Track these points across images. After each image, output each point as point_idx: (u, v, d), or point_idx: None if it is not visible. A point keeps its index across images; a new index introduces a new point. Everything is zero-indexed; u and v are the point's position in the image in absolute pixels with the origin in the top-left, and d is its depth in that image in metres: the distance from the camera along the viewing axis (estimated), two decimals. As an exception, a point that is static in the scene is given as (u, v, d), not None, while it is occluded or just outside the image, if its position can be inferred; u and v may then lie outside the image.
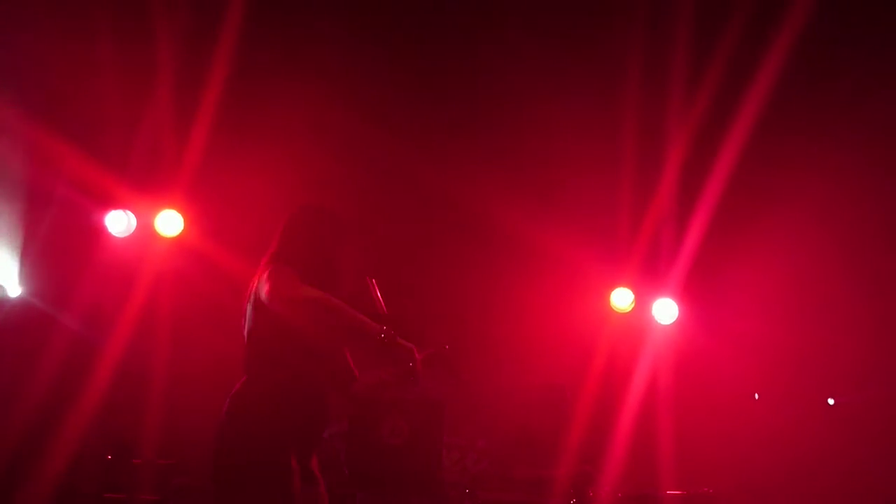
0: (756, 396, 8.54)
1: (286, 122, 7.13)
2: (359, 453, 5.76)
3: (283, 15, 6.88)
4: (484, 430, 7.76)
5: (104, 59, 6.73)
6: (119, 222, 7.34)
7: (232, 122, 6.97)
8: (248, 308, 3.87)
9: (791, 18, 6.34)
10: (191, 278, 7.25)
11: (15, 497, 6.50)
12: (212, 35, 6.57)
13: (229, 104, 6.84)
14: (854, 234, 7.71)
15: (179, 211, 7.35)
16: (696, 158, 7.29)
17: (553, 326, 7.82)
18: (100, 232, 7.33)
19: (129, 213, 7.37)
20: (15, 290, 7.35)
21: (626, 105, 7.06)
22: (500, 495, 5.89)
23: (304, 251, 3.92)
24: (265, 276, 3.77)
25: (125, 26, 6.67)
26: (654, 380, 7.81)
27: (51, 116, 6.85)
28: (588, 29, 6.92)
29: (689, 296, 8.11)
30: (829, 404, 8.56)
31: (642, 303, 8.15)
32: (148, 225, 7.37)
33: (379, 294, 3.93)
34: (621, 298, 8.11)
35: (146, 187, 7.31)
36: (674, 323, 8.15)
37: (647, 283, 8.06)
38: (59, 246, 7.33)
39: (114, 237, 7.35)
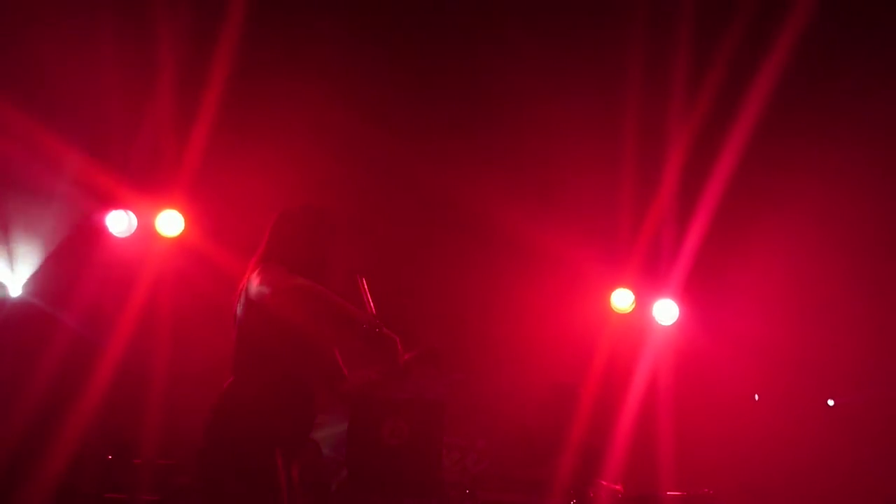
0: (756, 397, 8.54)
1: (287, 122, 7.13)
2: (359, 454, 5.76)
3: (284, 15, 6.88)
4: (484, 431, 7.77)
5: (105, 58, 6.73)
6: (120, 222, 7.34)
7: (233, 122, 6.97)
8: (238, 307, 3.89)
9: (792, 20, 6.34)
10: (191, 278, 7.25)
11: (15, 497, 6.50)
12: (213, 35, 6.57)
13: (230, 104, 6.84)
14: (854, 235, 7.71)
15: (180, 211, 7.35)
16: (697, 159, 7.28)
17: (553, 327, 7.83)
18: (100, 232, 7.34)
19: (129, 213, 7.38)
20: (15, 289, 7.35)
21: (627, 105, 7.05)
22: (501, 496, 5.89)
23: (295, 250, 3.94)
24: (255, 273, 3.80)
25: (126, 26, 6.67)
26: (654, 380, 7.80)
27: (52, 116, 6.85)
28: (589, 29, 6.91)
29: (690, 296, 8.11)
30: (829, 405, 8.56)
31: (643, 303, 8.15)
32: (149, 225, 7.37)
33: (368, 293, 3.95)
34: (622, 299, 8.11)
35: (147, 187, 7.31)
36: (674, 324, 8.15)
37: (648, 284, 8.06)
38: (59, 246, 7.33)
39: (114, 237, 7.36)
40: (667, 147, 7.30)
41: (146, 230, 7.38)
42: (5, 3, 6.61)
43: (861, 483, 7.80)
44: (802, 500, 7.77)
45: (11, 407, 6.83)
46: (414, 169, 7.41)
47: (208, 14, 6.55)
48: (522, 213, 7.43)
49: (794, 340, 7.94)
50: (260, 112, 7.16)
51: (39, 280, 7.37)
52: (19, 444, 6.69)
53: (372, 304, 3.93)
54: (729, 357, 8.13)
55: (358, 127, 7.32)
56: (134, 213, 7.38)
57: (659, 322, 8.15)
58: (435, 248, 8.01)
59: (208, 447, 3.70)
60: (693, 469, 7.40)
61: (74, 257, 7.32)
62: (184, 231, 7.38)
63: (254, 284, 3.76)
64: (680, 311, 8.13)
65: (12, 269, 7.31)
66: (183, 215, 7.36)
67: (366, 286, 3.96)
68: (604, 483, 5.93)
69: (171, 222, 7.35)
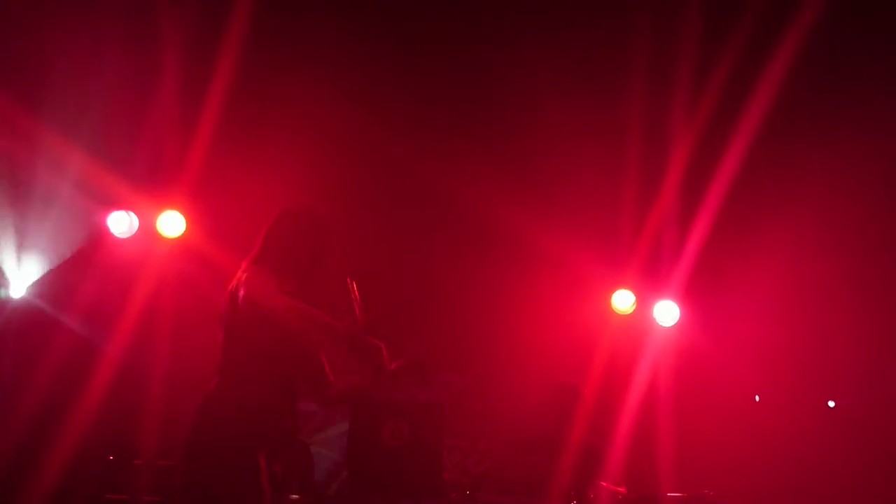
0: (757, 398, 8.55)
1: (289, 122, 7.13)
2: (359, 455, 5.75)
3: (287, 15, 6.88)
4: (485, 432, 7.78)
5: (108, 59, 6.74)
6: (121, 223, 7.34)
7: (235, 122, 6.97)
8: (228, 307, 3.91)
9: (797, 22, 6.34)
10: (193, 279, 7.25)
11: (17, 497, 6.51)
12: (215, 37, 6.58)
13: (232, 105, 6.84)
14: (855, 237, 7.71)
15: (182, 212, 7.35)
16: (700, 161, 7.29)
17: (554, 327, 7.83)
18: (102, 233, 7.34)
19: (131, 213, 7.37)
20: (17, 291, 7.36)
21: (630, 107, 7.07)
22: (501, 497, 5.89)
23: (289, 254, 3.97)
24: (243, 279, 3.82)
25: (129, 26, 6.68)
26: (655, 381, 7.81)
27: (54, 116, 6.85)
28: (592, 30, 6.92)
29: (691, 298, 8.11)
30: (829, 406, 8.56)
31: (643, 304, 8.16)
32: (150, 226, 7.37)
33: (358, 296, 3.98)
34: (623, 300, 8.12)
35: (148, 188, 7.31)
36: (675, 325, 8.16)
37: (649, 285, 8.07)
38: (61, 247, 7.34)
39: (116, 238, 7.36)
40: (669, 148, 7.31)
41: (147, 231, 7.38)
42: (9, 3, 6.62)
43: (862, 484, 7.81)
44: (803, 502, 7.78)
45: (13, 407, 6.83)
46: (416, 169, 7.41)
47: (210, 15, 6.56)
48: (524, 214, 7.43)
49: (795, 342, 7.94)
50: (262, 113, 7.16)
51: (41, 281, 7.37)
52: (20, 445, 6.70)
53: (360, 307, 3.97)
54: (730, 358, 8.14)
55: (361, 128, 7.33)
56: (135, 213, 7.38)
57: (660, 323, 8.15)
58: (437, 248, 8.02)
59: (193, 448, 3.75)
60: (694, 470, 7.42)
61: (76, 258, 7.32)
62: (185, 232, 7.37)
63: (241, 292, 3.79)
64: (681, 313, 8.13)
65: (13, 270, 7.31)
66: (184, 216, 7.36)
67: (356, 290, 4.00)
68: (604, 484, 5.93)
69: (172, 223, 7.35)
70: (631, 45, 6.80)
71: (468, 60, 7.26)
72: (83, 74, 6.78)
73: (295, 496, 6.17)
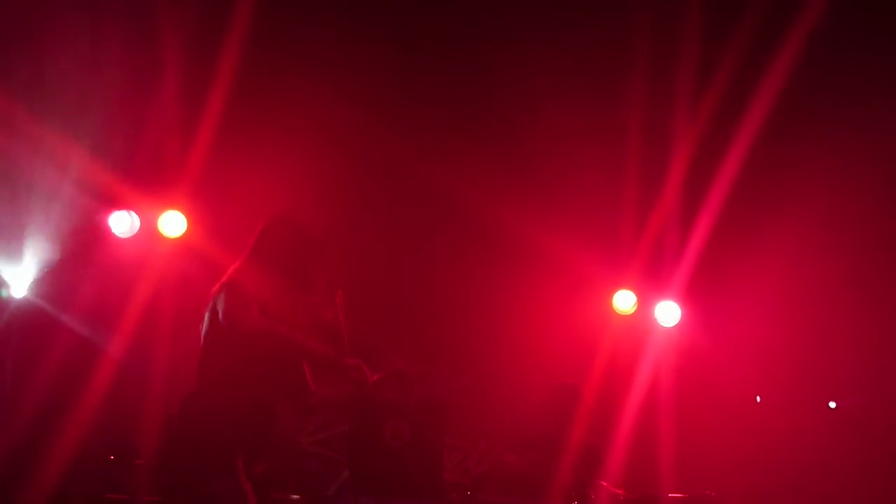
0: (758, 399, 8.54)
1: (291, 122, 7.13)
2: (361, 455, 5.76)
3: (288, 16, 6.89)
4: (486, 432, 7.78)
5: (110, 59, 6.74)
6: (122, 223, 7.34)
7: (236, 122, 6.97)
8: (207, 314, 3.92)
9: (798, 23, 6.35)
10: (194, 279, 7.25)
11: (18, 496, 6.51)
12: (216, 37, 6.58)
13: (234, 105, 6.84)
14: (856, 238, 7.71)
15: (183, 212, 7.35)
16: (701, 162, 7.29)
17: (556, 328, 7.83)
18: (103, 232, 7.34)
19: (132, 213, 7.37)
20: (19, 290, 7.36)
21: (632, 108, 7.07)
22: (502, 497, 5.89)
23: (281, 260, 3.97)
24: (222, 294, 3.83)
25: (131, 26, 6.68)
26: (656, 382, 7.81)
27: (56, 117, 6.85)
28: (593, 31, 6.92)
29: (692, 298, 8.11)
30: (830, 407, 8.56)
31: (645, 305, 8.16)
32: (151, 226, 7.37)
33: (342, 308, 4.00)
34: (624, 300, 8.12)
35: (150, 188, 7.31)
36: (676, 325, 8.16)
37: (650, 286, 8.07)
38: (63, 246, 7.34)
39: (117, 238, 7.36)
40: (670, 149, 7.31)
41: (149, 231, 7.38)
42: (11, 4, 6.62)
43: (862, 484, 7.80)
44: (804, 502, 7.78)
45: (14, 407, 6.83)
46: (416, 169, 7.41)
47: (211, 15, 6.56)
48: (525, 215, 7.43)
49: (796, 343, 7.95)
50: (263, 113, 7.16)
51: (42, 281, 7.37)
52: (21, 444, 6.70)
53: (345, 318, 4.00)
54: (731, 359, 8.14)
55: (362, 128, 7.33)
56: (137, 213, 7.38)
57: (661, 324, 8.15)
58: (438, 249, 8.01)
59: (172, 450, 3.77)
60: (695, 470, 7.42)
61: (77, 258, 7.32)
62: (186, 232, 7.37)
63: (220, 307, 3.81)
64: (682, 313, 8.13)
65: (15, 270, 7.31)
66: (185, 216, 7.35)
67: (342, 300, 4.02)
68: (605, 485, 5.93)
69: (173, 223, 7.34)
70: (632, 46, 6.80)
71: (469, 61, 7.26)
72: (84, 74, 6.78)
73: (296, 496, 6.18)
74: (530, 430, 6.10)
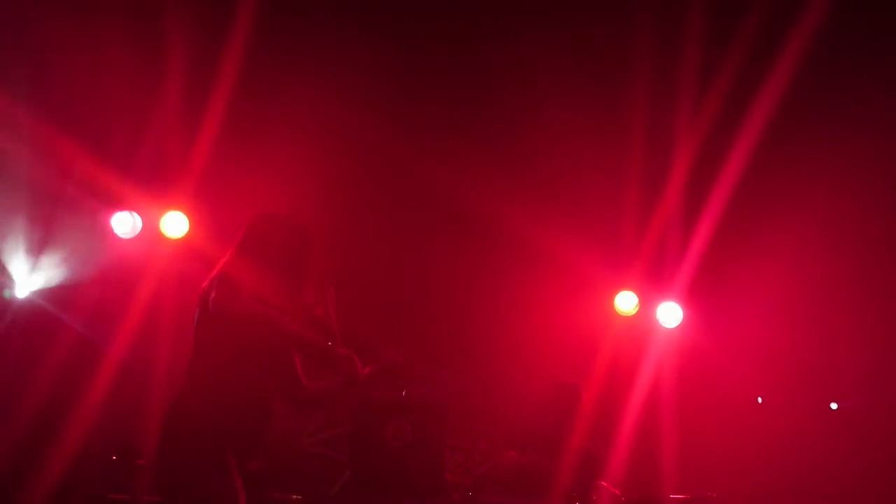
0: (759, 400, 8.53)
1: (292, 123, 7.14)
2: (362, 455, 5.77)
3: (290, 18, 6.90)
4: (487, 433, 7.77)
5: (112, 59, 6.75)
6: (125, 223, 7.35)
7: (238, 123, 6.98)
8: (199, 306, 3.92)
9: (801, 25, 6.35)
10: (196, 280, 7.24)
11: (20, 496, 6.52)
12: (219, 38, 6.59)
13: (236, 105, 6.85)
14: (858, 239, 7.71)
15: (185, 212, 7.36)
16: (703, 162, 7.29)
17: (557, 329, 7.83)
18: (105, 233, 7.35)
19: (134, 214, 7.38)
20: (22, 290, 7.37)
21: (634, 108, 7.07)
22: (504, 498, 5.89)
23: (269, 254, 3.97)
24: (216, 281, 3.83)
25: (133, 27, 6.69)
26: (657, 383, 7.81)
27: (58, 117, 6.87)
28: (596, 31, 6.93)
29: (694, 299, 8.11)
30: (832, 408, 8.55)
31: (647, 306, 8.15)
32: (153, 226, 7.38)
33: (333, 305, 4.01)
34: (626, 301, 8.11)
35: (152, 188, 7.32)
36: (678, 326, 8.15)
37: (652, 287, 8.06)
38: (65, 247, 7.35)
39: (119, 238, 7.37)
40: (673, 150, 7.31)
41: (151, 231, 7.39)
42: (14, 4, 6.63)
43: (864, 486, 7.79)
44: (805, 503, 7.77)
45: (16, 407, 6.84)
46: (419, 170, 7.42)
47: (214, 16, 6.57)
48: (527, 215, 7.43)
49: (798, 344, 7.94)
50: (266, 113, 7.18)
51: (45, 281, 7.39)
52: (24, 444, 6.71)
53: (335, 316, 4.00)
54: (732, 360, 8.13)
55: (365, 129, 7.33)
56: (139, 214, 7.39)
57: (663, 325, 8.15)
58: (440, 249, 8.02)
59: (163, 448, 3.76)
60: (696, 472, 7.41)
61: (79, 258, 7.33)
62: (189, 232, 7.38)
63: (212, 294, 3.80)
64: (684, 314, 8.13)
65: (18, 271, 7.32)
66: (188, 217, 7.36)
67: (333, 298, 4.03)
68: (605, 485, 5.93)
69: (175, 224, 7.35)
70: (634, 47, 6.80)
71: (471, 61, 7.27)
72: (87, 75, 6.79)
73: (297, 496, 6.18)
74: (529, 430, 6.11)
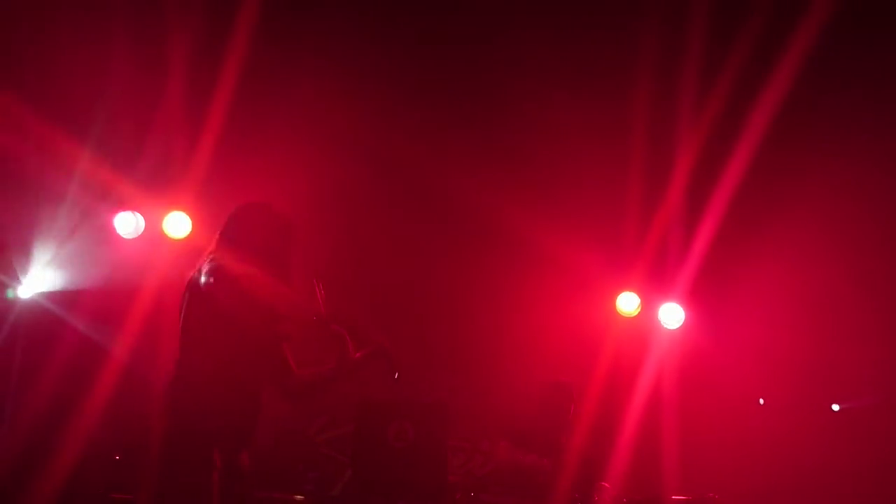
0: (761, 401, 8.54)
1: (295, 124, 7.15)
2: (364, 456, 5.77)
3: (293, 18, 6.90)
4: (489, 433, 7.77)
5: (115, 59, 6.76)
6: (127, 224, 7.35)
7: (241, 123, 6.99)
8: (186, 295, 3.92)
9: (804, 27, 6.34)
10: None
11: (24, 495, 6.53)
12: (223, 38, 6.59)
13: (239, 106, 6.86)
14: (860, 240, 7.71)
15: (188, 213, 7.37)
16: (706, 163, 7.29)
17: (559, 329, 7.84)
18: (108, 233, 7.36)
19: (137, 214, 7.39)
20: (25, 291, 7.38)
21: (636, 109, 7.06)
22: (505, 499, 5.90)
23: (254, 243, 3.98)
24: (202, 268, 3.84)
25: (137, 28, 6.70)
26: (659, 384, 7.81)
27: (62, 117, 6.88)
28: (599, 31, 6.93)
29: (696, 300, 8.11)
30: (833, 410, 8.55)
31: (649, 307, 8.16)
32: (156, 226, 7.39)
33: (322, 297, 4.02)
34: (627, 302, 8.12)
35: (155, 189, 7.33)
36: (680, 327, 8.16)
37: (654, 288, 8.07)
38: (68, 247, 7.36)
39: (122, 238, 7.38)
40: (675, 151, 7.31)
41: (154, 232, 7.40)
42: (17, 3, 6.64)
43: (866, 488, 7.80)
44: (807, 505, 7.78)
45: (20, 407, 6.86)
46: (421, 170, 7.42)
47: (218, 16, 6.57)
48: (529, 216, 7.44)
49: (800, 345, 7.94)
50: (268, 114, 7.18)
51: (48, 282, 7.40)
52: (27, 445, 6.72)
53: (324, 307, 4.01)
54: (734, 361, 8.14)
55: (367, 129, 7.34)
56: (142, 214, 7.40)
57: (665, 326, 8.16)
58: (441, 250, 8.02)
59: (148, 443, 3.75)
60: (698, 473, 7.42)
61: (82, 259, 7.34)
62: (191, 233, 7.38)
63: (204, 271, 3.81)
64: (686, 315, 8.13)
65: (21, 271, 7.33)
66: (190, 217, 7.37)
67: (321, 290, 4.04)
68: (607, 486, 5.94)
69: (178, 224, 7.36)
70: (637, 48, 6.80)
71: (473, 60, 7.27)
72: (90, 75, 6.80)
73: (299, 496, 6.19)
74: (523, 428, 6.13)
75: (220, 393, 3.80)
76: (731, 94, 6.82)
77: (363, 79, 7.17)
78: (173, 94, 6.90)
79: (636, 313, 8.14)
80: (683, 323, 8.15)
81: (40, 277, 7.38)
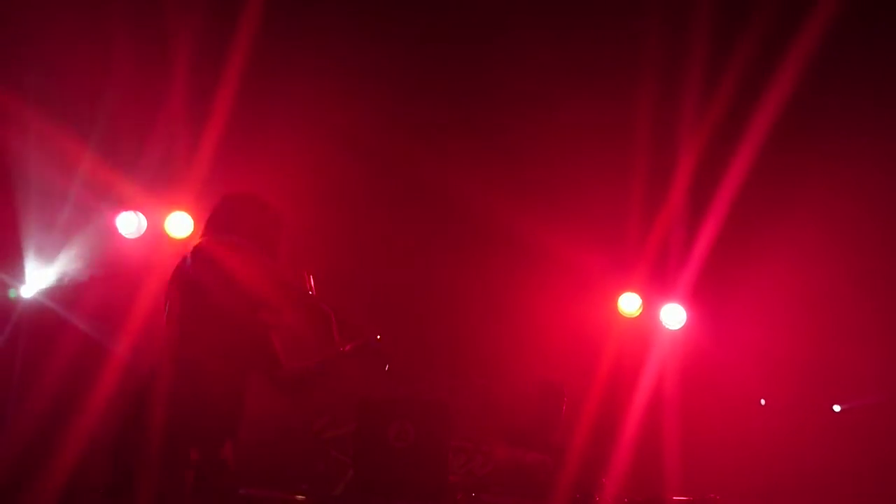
0: (762, 402, 8.54)
1: (298, 124, 7.16)
2: (365, 456, 5.77)
3: (295, 18, 6.91)
4: (489, 434, 7.77)
5: (117, 59, 6.77)
6: (129, 223, 7.36)
7: (243, 123, 7.00)
8: (172, 285, 3.92)
9: (808, 29, 6.34)
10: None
11: (26, 495, 6.54)
12: (224, 38, 6.60)
13: (241, 106, 6.86)
14: (862, 242, 7.71)
15: (189, 213, 7.37)
16: (708, 164, 7.29)
17: (561, 330, 7.83)
18: (110, 233, 7.37)
19: (139, 214, 7.40)
20: (28, 290, 7.39)
21: (639, 110, 7.07)
22: (506, 499, 5.91)
23: (240, 232, 3.98)
24: (189, 256, 3.86)
25: (139, 28, 6.71)
26: (660, 384, 7.81)
27: (64, 117, 6.88)
28: (602, 32, 6.93)
29: (698, 301, 8.11)
30: (834, 411, 8.55)
31: (650, 307, 8.16)
32: (158, 226, 7.39)
33: (313, 288, 4.02)
34: (629, 303, 8.12)
35: (156, 189, 7.34)
36: (681, 328, 8.16)
37: (656, 288, 8.07)
38: (70, 247, 7.37)
39: (124, 238, 7.38)
40: (678, 152, 7.31)
41: (155, 231, 7.41)
42: (20, 3, 6.65)
43: (867, 489, 7.79)
44: (808, 506, 7.78)
45: (22, 406, 6.86)
46: (423, 170, 7.42)
47: (220, 16, 6.58)
48: (531, 216, 7.44)
49: (801, 346, 7.94)
50: (270, 114, 7.19)
51: (51, 281, 7.40)
52: (29, 444, 6.73)
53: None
54: (736, 362, 8.14)
55: (369, 129, 7.34)
56: (143, 214, 7.40)
57: (666, 326, 8.15)
58: (443, 250, 8.02)
59: (124, 440, 3.79)
60: (699, 474, 7.41)
61: (84, 258, 7.35)
62: (193, 233, 7.38)
63: (186, 262, 3.82)
64: (687, 316, 8.13)
65: (24, 271, 7.34)
66: (192, 217, 7.37)
67: (312, 283, 4.04)
68: (608, 486, 5.94)
69: (180, 224, 7.36)
70: (640, 48, 6.80)
71: (477, 61, 7.27)
72: (92, 75, 6.81)
73: (301, 496, 6.18)
74: (515, 427, 6.14)
75: (202, 385, 3.79)
76: (734, 96, 6.83)
77: (365, 79, 7.18)
78: (175, 94, 6.91)
79: (638, 314, 8.14)
80: (685, 323, 8.14)
81: (42, 277, 7.39)
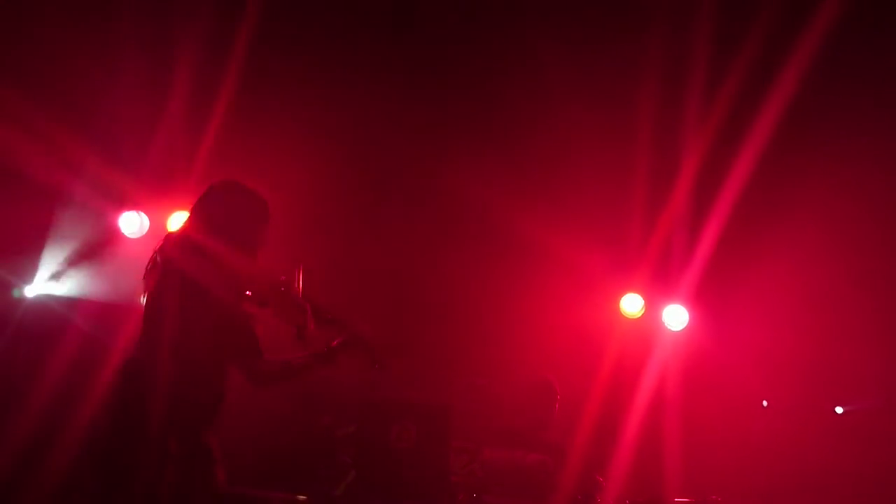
0: (765, 404, 8.53)
1: (299, 124, 7.16)
2: (367, 457, 5.78)
3: (298, 19, 6.91)
4: (490, 434, 7.77)
5: (121, 60, 6.78)
6: (132, 223, 7.37)
7: (245, 124, 7.01)
8: (152, 273, 3.92)
9: (812, 29, 6.34)
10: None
11: (26, 489, 6.56)
12: (227, 39, 6.61)
13: (243, 106, 6.88)
14: (864, 243, 7.70)
15: (192, 213, 7.37)
16: (711, 165, 7.29)
17: (563, 331, 7.83)
18: (113, 233, 7.38)
19: (142, 214, 7.41)
20: (30, 290, 7.40)
21: (642, 111, 7.07)
22: (507, 500, 5.91)
23: (221, 221, 4.00)
24: (167, 244, 3.87)
25: (142, 29, 6.72)
26: (662, 386, 7.81)
27: (67, 117, 6.89)
28: (605, 32, 6.93)
29: (700, 302, 8.10)
30: (837, 412, 8.54)
31: (652, 308, 8.15)
32: (161, 226, 7.40)
33: (301, 280, 4.03)
34: (631, 304, 8.12)
35: (159, 188, 7.35)
36: (684, 329, 8.15)
37: (658, 289, 8.06)
38: (73, 247, 7.38)
39: (127, 238, 7.39)
40: (680, 153, 7.31)
41: (158, 231, 7.40)
42: (23, 5, 6.66)
43: (869, 491, 7.78)
44: (810, 507, 7.77)
45: (24, 405, 6.87)
46: (425, 170, 7.43)
47: (223, 17, 6.59)
48: (534, 217, 7.44)
49: (803, 347, 7.93)
50: (272, 114, 7.19)
51: (53, 281, 7.42)
52: (30, 442, 6.74)
53: (302, 293, 4.03)
54: (738, 363, 8.13)
55: (371, 129, 7.35)
56: (146, 214, 7.41)
57: (668, 327, 8.15)
58: (445, 251, 8.02)
59: (102, 426, 3.75)
60: (701, 476, 7.41)
61: (87, 258, 7.36)
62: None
63: (168, 256, 3.82)
64: (690, 317, 8.12)
65: (27, 270, 7.35)
66: (194, 217, 7.37)
67: (301, 276, 4.05)
68: (600, 479, 5.95)
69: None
70: (643, 49, 6.80)
71: (478, 61, 7.27)
72: (95, 76, 6.82)
73: (302, 497, 6.19)
74: (508, 427, 6.14)
75: (178, 373, 3.76)
76: (736, 98, 6.82)
77: (367, 80, 7.17)
78: (178, 94, 6.92)
79: (640, 315, 8.13)
80: (687, 324, 8.13)
81: (45, 277, 7.40)
